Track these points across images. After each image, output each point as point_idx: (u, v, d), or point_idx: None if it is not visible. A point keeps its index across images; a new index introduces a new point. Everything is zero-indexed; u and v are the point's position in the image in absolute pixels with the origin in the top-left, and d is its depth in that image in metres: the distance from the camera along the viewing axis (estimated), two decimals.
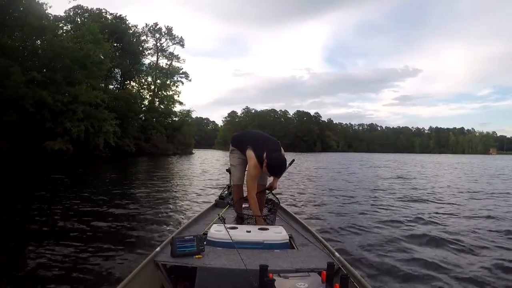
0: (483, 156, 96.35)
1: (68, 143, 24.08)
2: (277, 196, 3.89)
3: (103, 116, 27.12)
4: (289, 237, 2.86)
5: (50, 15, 28.86)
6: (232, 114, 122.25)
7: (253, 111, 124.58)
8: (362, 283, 2.05)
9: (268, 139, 3.43)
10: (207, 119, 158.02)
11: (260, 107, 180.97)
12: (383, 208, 7.31)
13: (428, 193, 10.03)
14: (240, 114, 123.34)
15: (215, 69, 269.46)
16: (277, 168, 3.18)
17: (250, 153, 3.25)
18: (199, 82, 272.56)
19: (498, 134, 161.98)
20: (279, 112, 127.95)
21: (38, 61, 25.68)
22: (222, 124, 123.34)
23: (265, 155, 3.17)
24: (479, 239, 4.84)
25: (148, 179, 13.09)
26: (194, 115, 58.01)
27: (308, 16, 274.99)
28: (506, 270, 3.60)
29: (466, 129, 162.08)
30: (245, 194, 3.48)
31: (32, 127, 22.67)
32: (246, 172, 3.44)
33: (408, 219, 6.19)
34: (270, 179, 3.57)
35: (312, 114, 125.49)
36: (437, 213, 6.86)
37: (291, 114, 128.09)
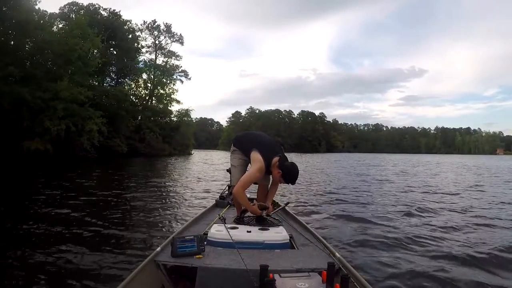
0: (496, 156, 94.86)
1: (47, 143, 22.23)
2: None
3: (87, 114, 25.07)
4: (290, 237, 2.84)
5: (45, 12, 27.78)
6: (236, 115, 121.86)
7: (257, 111, 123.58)
8: (363, 283, 2.03)
9: (275, 143, 3.39)
10: (211, 119, 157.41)
11: (265, 107, 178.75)
12: (384, 208, 7.18)
13: (431, 195, 9.64)
14: (244, 114, 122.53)
15: (221, 70, 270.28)
16: (294, 177, 3.14)
17: (256, 156, 3.13)
18: (204, 83, 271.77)
19: (505, 134, 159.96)
20: (284, 112, 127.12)
21: (19, 56, 23.95)
22: (226, 125, 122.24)
23: (274, 161, 3.13)
24: (486, 243, 4.55)
25: (143, 180, 12.71)
26: (198, 115, 56.70)
27: (314, 17, 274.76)
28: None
29: (472, 129, 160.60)
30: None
31: (9, 126, 20.90)
32: (247, 173, 3.34)
33: (410, 219, 6.04)
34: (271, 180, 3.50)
35: (317, 114, 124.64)
36: (440, 215, 6.61)
37: (296, 114, 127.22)
